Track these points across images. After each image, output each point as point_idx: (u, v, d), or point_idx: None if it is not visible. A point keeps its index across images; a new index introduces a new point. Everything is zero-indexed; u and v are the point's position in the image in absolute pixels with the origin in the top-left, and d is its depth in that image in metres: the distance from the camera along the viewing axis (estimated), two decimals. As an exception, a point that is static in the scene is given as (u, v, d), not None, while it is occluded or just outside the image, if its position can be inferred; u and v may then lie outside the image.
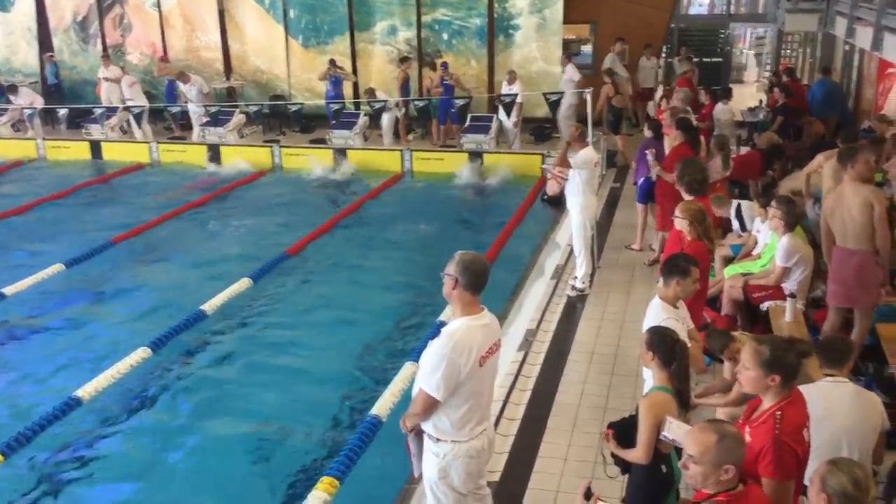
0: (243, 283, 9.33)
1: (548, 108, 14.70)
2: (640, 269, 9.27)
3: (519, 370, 6.91)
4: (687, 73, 15.41)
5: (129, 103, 16.92)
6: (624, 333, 7.54)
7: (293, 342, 8.17)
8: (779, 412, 3.58)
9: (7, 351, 8.14)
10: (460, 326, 3.86)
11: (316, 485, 5.30)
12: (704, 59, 19.73)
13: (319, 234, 11.49)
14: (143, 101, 17.01)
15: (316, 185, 14.86)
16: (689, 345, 4.47)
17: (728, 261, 7.99)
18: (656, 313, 4.79)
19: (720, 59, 21.02)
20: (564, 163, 8.33)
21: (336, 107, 16.13)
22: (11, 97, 17.49)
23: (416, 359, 6.84)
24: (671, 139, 9.25)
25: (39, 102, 17.69)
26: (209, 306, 8.63)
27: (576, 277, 8.67)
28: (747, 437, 3.63)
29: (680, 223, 5.87)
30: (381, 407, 6.32)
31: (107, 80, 17.65)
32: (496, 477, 5.27)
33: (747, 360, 3.65)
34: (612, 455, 4.25)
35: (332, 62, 16.51)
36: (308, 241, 11.13)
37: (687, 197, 6.58)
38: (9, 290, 9.21)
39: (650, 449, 3.92)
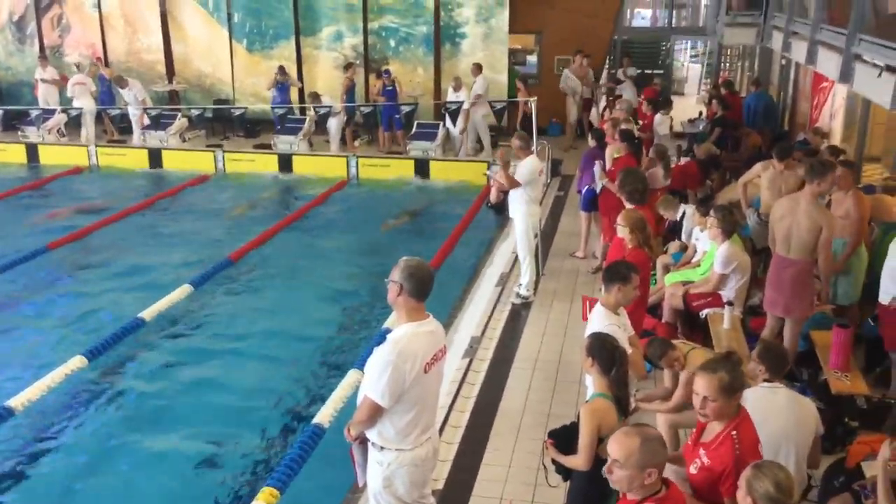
0: (184, 290, 9.14)
1: (493, 116, 14.80)
2: (584, 276, 9.38)
3: (463, 377, 6.91)
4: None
5: (74, 104, 16.45)
6: (567, 340, 7.61)
7: (235, 350, 8.04)
8: (734, 432, 3.68)
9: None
10: (405, 333, 3.85)
11: (256, 496, 5.21)
12: (646, 71, 20.10)
13: (263, 240, 11.34)
14: (89, 104, 16.57)
15: (260, 190, 14.68)
16: (630, 351, 4.53)
17: (669, 269, 8.14)
18: (598, 320, 4.85)
19: (661, 71, 21.45)
20: (511, 181, 8.31)
21: (281, 111, 15.99)
22: None
23: (361, 366, 6.86)
24: (614, 149, 9.39)
25: None
26: (148, 313, 8.43)
27: (520, 285, 8.73)
28: (704, 459, 3.71)
29: (621, 231, 5.96)
30: (324, 415, 6.26)
31: (44, 81, 17.18)
32: (440, 485, 5.26)
33: (707, 390, 3.69)
34: (554, 462, 4.28)
35: (281, 68, 16.35)
36: (251, 247, 10.98)
37: (628, 205, 6.69)
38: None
39: (591, 455, 3.97)
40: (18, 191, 14.29)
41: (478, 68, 15.24)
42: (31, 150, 16.34)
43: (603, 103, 15.06)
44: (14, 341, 8.18)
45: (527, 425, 6.12)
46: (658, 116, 12.44)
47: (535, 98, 10.66)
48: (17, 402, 6.57)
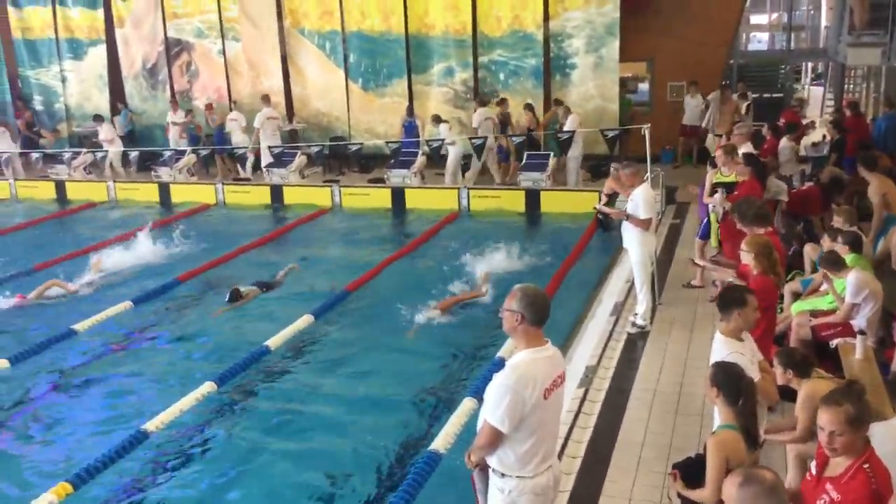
0: (306, 320, 9.47)
1: (605, 145, 14.70)
2: (703, 305, 9.11)
3: (580, 407, 6.83)
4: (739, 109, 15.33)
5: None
6: (688, 371, 7.41)
7: (354, 378, 8.21)
8: (866, 465, 3.50)
9: (78, 383, 8.34)
10: (524, 359, 3.86)
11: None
12: (764, 95, 19.52)
13: (378, 271, 11.61)
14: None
15: (375, 223, 15.06)
16: (760, 377, 4.38)
17: (797, 296, 7.82)
18: (721, 349, 4.71)
19: (780, 95, 20.76)
20: (634, 220, 8.27)
21: (395, 146, 16.45)
22: (97, 127, 18.26)
23: (475, 395, 6.90)
24: (714, 175, 9.22)
25: (118, 143, 18.41)
26: (273, 342, 8.77)
27: (636, 314, 8.57)
28: (833, 495, 3.54)
29: (746, 257, 5.79)
30: (440, 442, 6.31)
31: (175, 124, 18.31)
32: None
33: (834, 424, 3.53)
34: (679, 496, 4.17)
35: (410, 108, 16.98)
36: (368, 278, 11.25)
37: (755, 230, 6.50)
38: (80, 326, 9.54)
39: (719, 488, 3.83)
40: (152, 228, 15.18)
41: (566, 109, 15.42)
42: (163, 189, 17.36)
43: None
44: (151, 368, 8.63)
45: (647, 458, 5.98)
46: (783, 141, 12.03)
47: (649, 125, 10.51)
48: (152, 425, 6.96)
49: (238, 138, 17.69)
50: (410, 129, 16.94)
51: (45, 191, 18.10)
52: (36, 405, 7.88)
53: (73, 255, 12.93)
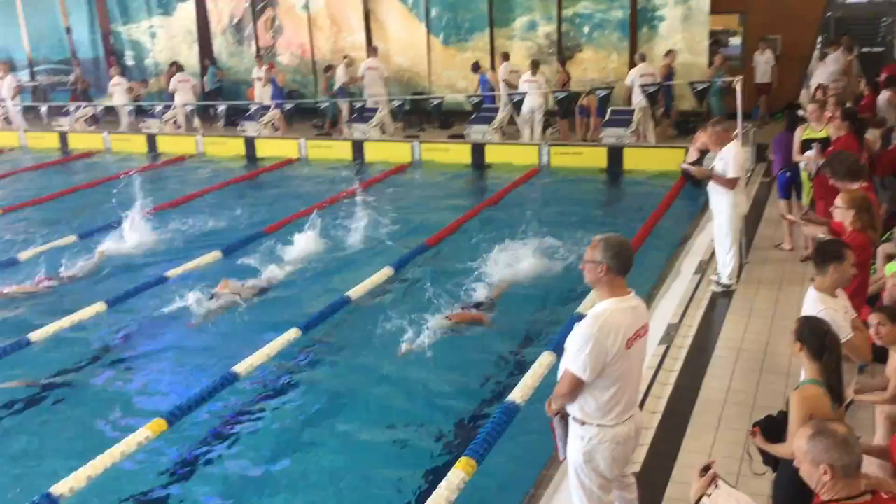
0: (385, 272, 9.61)
1: (695, 99, 14.29)
2: (792, 266, 8.84)
3: (660, 364, 6.76)
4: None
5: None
6: (774, 330, 7.23)
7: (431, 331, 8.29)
8: None
9: (170, 327, 8.68)
10: (607, 308, 3.84)
11: (455, 465, 5.40)
12: (864, 49, 18.55)
13: (457, 226, 11.65)
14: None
15: (454, 178, 15.08)
16: (853, 335, 4.25)
17: (890, 258, 7.50)
18: (813, 306, 4.59)
19: (881, 49, 19.69)
20: (719, 179, 8.02)
21: (476, 101, 16.35)
22: (179, 75, 18.87)
23: (553, 349, 6.90)
24: (803, 132, 8.87)
25: (189, 95, 18.91)
26: (354, 292, 8.94)
27: (720, 274, 8.38)
28: None
29: (841, 213, 5.58)
30: (519, 393, 6.35)
31: (259, 79, 18.63)
32: (637, 468, 5.17)
33: None
34: (761, 452, 4.11)
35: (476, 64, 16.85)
36: (447, 233, 11.31)
37: (849, 185, 6.24)
38: (171, 272, 9.93)
39: None
40: (238, 180, 15.62)
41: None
42: (249, 144, 17.74)
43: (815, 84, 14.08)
44: (238, 316, 8.92)
45: (729, 416, 5.89)
46: (884, 94, 11.43)
47: (741, 77, 10.12)
48: (241, 368, 7.22)
49: (378, 89, 17.70)
50: (484, 84, 16.81)
51: (137, 145, 18.73)
52: (132, 347, 8.25)
53: (168, 206, 13.42)
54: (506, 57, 16.53)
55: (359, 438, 6.44)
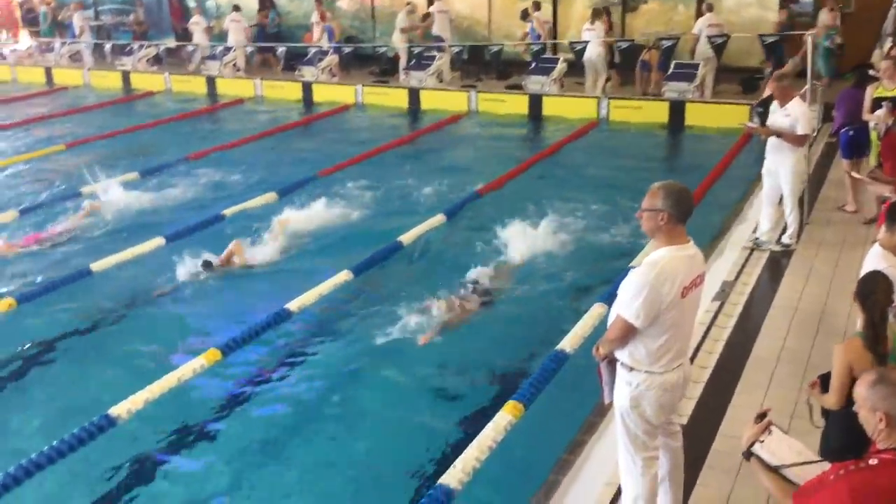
0: (438, 219, 9.62)
1: (764, 53, 13.81)
2: (855, 227, 8.59)
3: (713, 320, 6.67)
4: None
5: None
6: (832, 292, 7.06)
7: (481, 276, 8.28)
8: None
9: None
10: (664, 255, 3.78)
11: (502, 408, 5.45)
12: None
13: (511, 177, 11.58)
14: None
15: (510, 129, 14.94)
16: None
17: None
18: (875, 262, 4.47)
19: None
20: (787, 137, 7.76)
21: (536, 49, 16.11)
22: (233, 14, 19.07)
23: (605, 300, 6.85)
24: (874, 89, 8.50)
25: (243, 39, 19.05)
26: (406, 238, 8.99)
27: (770, 233, 8.19)
28: None
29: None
30: (569, 342, 6.35)
31: (317, 24, 18.61)
32: (684, 420, 5.15)
33: None
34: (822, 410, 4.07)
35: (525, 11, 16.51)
36: (500, 182, 11.25)
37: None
38: (228, 211, 10.11)
39: (842, 394, 3.79)
40: (295, 125, 15.74)
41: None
42: (306, 88, 17.78)
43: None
44: (290, 256, 9.06)
45: (781, 375, 5.80)
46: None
47: (813, 31, 9.76)
48: (293, 305, 7.35)
49: (446, 33, 17.50)
50: (533, 33, 16.50)
51: (197, 86, 18.93)
52: (188, 283, 8.41)
53: (226, 147, 13.61)
54: (537, 7, 16.13)
55: (401, 385, 6.50)
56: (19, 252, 9.19)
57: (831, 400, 3.87)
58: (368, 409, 6.18)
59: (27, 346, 7.18)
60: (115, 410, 5.64)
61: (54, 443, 5.29)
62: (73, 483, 5.36)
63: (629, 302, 3.74)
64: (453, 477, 4.79)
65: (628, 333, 3.80)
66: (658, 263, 3.76)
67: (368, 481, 5.37)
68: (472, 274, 8.10)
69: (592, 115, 14.92)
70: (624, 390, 3.93)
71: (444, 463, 5.07)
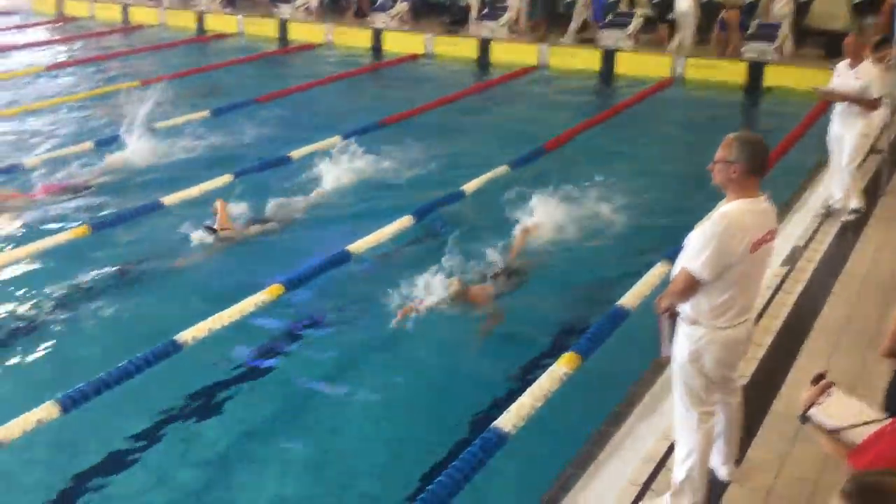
0: (502, 170, 9.57)
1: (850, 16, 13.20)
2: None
3: (780, 284, 6.53)
4: None
5: None
6: (905, 263, 6.84)
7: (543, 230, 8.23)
8: None
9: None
10: (736, 208, 3.69)
11: (559, 359, 5.45)
12: None
13: (578, 132, 11.40)
14: None
15: (580, 84, 14.69)
16: None
17: None
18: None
19: None
20: (860, 101, 7.44)
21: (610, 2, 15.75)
22: None
23: (668, 257, 6.73)
24: None
25: None
26: (468, 187, 8.98)
27: (838, 200, 7.93)
28: None
29: None
30: (630, 298, 6.30)
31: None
32: (744, 381, 5.07)
33: None
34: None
35: None
36: (567, 137, 11.10)
37: None
38: (294, 153, 10.25)
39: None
40: (363, 71, 15.74)
41: None
42: (376, 36, 17.69)
43: None
44: (350, 204, 9.12)
45: (846, 342, 5.66)
46: None
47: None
48: (355, 247, 7.44)
49: None
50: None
51: (269, 29, 19.02)
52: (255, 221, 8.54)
53: (293, 91, 13.72)
54: None
55: (459, 336, 6.51)
56: (92, 183, 9.47)
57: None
58: (416, 358, 6.21)
59: (97, 273, 7.40)
60: (181, 336, 5.84)
61: (123, 363, 5.49)
62: (126, 408, 5.52)
63: (696, 254, 3.68)
64: (507, 421, 4.84)
65: (693, 286, 3.74)
66: (728, 216, 3.67)
67: (429, 424, 5.44)
68: (531, 226, 8.03)
69: (667, 74, 14.55)
70: (684, 344, 3.88)
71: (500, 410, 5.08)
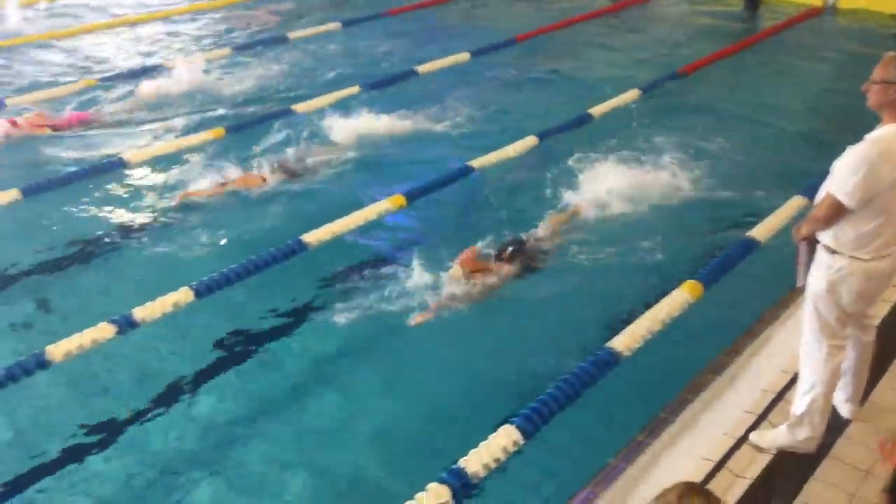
0: (632, 94, 9.29)
1: None
2: None
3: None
4: None
5: None
6: None
7: (673, 159, 7.93)
8: None
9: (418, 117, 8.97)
10: (891, 133, 3.45)
11: (680, 286, 5.33)
12: None
13: (714, 60, 10.85)
14: None
15: (721, 8, 13.95)
16: None
17: None
18: None
19: None
20: None
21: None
22: None
23: (806, 194, 6.40)
24: None
25: None
26: (597, 110, 8.78)
27: None
28: None
29: None
30: (760, 230, 6.06)
31: None
32: (876, 322, 4.82)
33: None
34: None
35: None
36: (701, 64, 10.60)
37: None
38: (422, 68, 10.27)
39: None
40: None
41: None
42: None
43: None
44: (482, 122, 9.00)
45: None
46: None
47: None
48: (476, 163, 7.45)
49: None
50: None
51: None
52: (388, 133, 8.60)
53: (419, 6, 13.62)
54: None
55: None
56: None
57: None
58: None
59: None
60: (305, 237, 6.06)
61: (254, 257, 5.75)
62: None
63: (844, 179, 3.47)
64: (622, 342, 4.80)
65: (838, 213, 3.54)
66: (882, 141, 3.44)
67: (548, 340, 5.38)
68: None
69: (817, 2, 13.56)
70: (822, 273, 3.70)
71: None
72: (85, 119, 8.89)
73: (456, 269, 5.69)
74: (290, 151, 7.89)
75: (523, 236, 6.27)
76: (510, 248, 6.00)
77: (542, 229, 6.41)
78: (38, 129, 8.51)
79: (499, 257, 5.96)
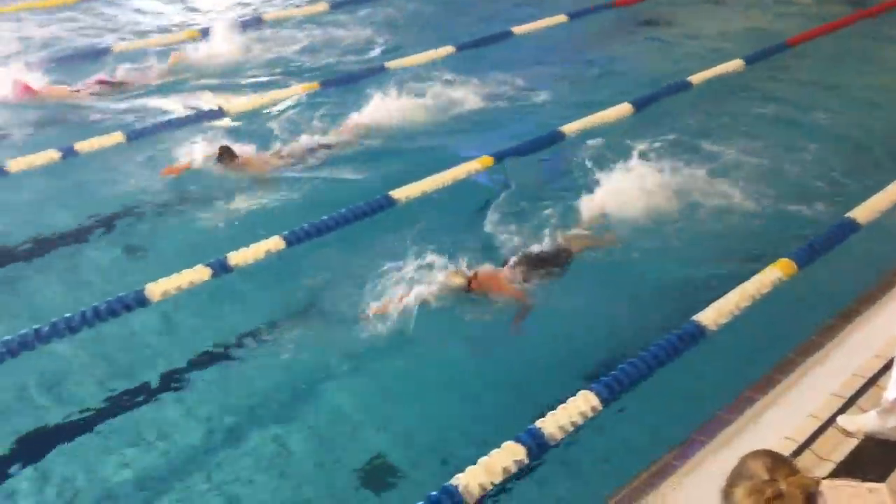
0: (735, 64, 8.98)
1: None
2: None
3: None
4: None
5: None
6: None
7: (774, 131, 7.68)
8: None
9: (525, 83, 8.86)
10: None
11: (773, 263, 5.19)
12: None
13: (823, 32, 10.34)
14: None
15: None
16: None
17: None
18: None
19: None
20: None
21: None
22: None
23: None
24: None
25: None
26: (697, 78, 8.56)
27: None
28: None
29: None
30: (862, 212, 5.80)
31: None
32: None
33: None
34: None
35: None
36: (811, 36, 10.13)
37: None
38: (518, 29, 10.15)
39: None
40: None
41: None
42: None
43: None
44: (578, 93, 8.81)
45: None
46: None
47: None
48: (569, 129, 7.37)
49: None
50: None
51: None
52: (476, 94, 8.49)
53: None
54: None
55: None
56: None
57: None
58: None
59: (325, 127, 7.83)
60: (395, 194, 6.15)
61: (342, 210, 5.87)
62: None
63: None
64: (708, 316, 4.72)
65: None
66: None
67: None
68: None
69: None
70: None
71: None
72: (124, 82, 8.81)
73: (461, 279, 5.14)
74: (382, 108, 7.93)
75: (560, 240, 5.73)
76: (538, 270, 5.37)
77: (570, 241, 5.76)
78: (58, 93, 8.43)
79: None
